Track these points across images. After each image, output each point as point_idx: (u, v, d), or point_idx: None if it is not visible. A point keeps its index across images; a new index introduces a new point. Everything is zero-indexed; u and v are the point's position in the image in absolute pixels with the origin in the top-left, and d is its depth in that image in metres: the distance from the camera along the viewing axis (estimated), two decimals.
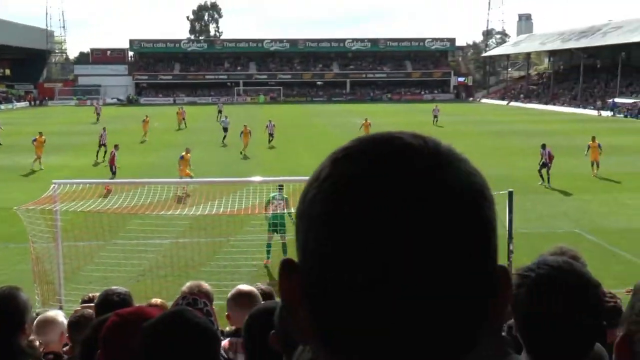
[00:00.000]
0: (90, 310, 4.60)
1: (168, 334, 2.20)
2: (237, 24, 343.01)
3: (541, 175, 26.16)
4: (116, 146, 28.30)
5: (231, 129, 42.67)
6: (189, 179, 22.52)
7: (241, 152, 36.26)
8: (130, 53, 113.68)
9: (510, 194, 11.81)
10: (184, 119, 55.47)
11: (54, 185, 12.89)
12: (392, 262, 0.71)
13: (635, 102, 71.04)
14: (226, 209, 13.53)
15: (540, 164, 26.48)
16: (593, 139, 29.09)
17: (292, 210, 14.38)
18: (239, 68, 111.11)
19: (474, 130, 47.62)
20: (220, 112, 62.45)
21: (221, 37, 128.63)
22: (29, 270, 13.02)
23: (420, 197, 0.72)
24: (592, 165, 28.54)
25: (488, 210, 0.76)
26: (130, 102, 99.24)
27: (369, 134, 0.81)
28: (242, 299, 4.61)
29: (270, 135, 40.99)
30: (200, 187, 17.47)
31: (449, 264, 0.72)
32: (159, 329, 2.22)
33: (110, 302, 4.03)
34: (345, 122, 54.09)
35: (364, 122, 43.44)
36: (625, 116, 68.26)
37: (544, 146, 26.75)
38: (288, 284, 0.79)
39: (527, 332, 1.93)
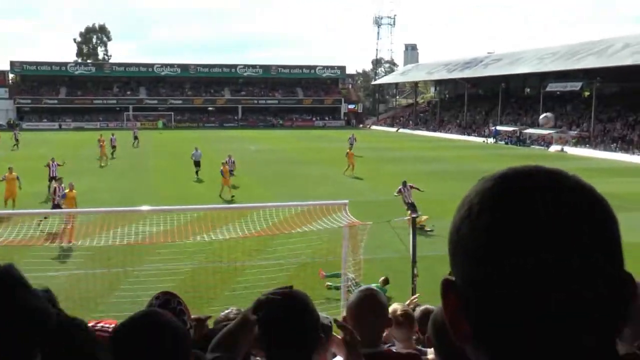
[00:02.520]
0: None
1: (137, 336, 2.20)
2: (126, 48, 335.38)
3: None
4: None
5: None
6: (65, 209, 20.58)
7: (226, 197, 30.79)
8: (11, 75, 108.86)
9: (414, 219, 12.15)
10: (114, 146, 51.20)
11: None
12: (548, 279, 0.83)
13: (514, 130, 74.75)
14: (129, 239, 13.14)
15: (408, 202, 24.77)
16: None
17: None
18: (128, 93, 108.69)
19: (375, 157, 48.31)
20: (136, 138, 61.78)
21: (110, 61, 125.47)
22: None
23: (570, 219, 0.84)
24: None
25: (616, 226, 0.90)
26: (10, 126, 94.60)
27: (502, 170, 0.92)
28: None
29: (230, 172, 34.03)
30: (98, 217, 16.84)
31: (597, 269, 0.84)
32: (129, 331, 2.23)
33: None
34: (239, 148, 53.94)
35: (348, 150, 41.89)
36: (506, 143, 71.79)
37: (404, 183, 25.36)
38: (448, 300, 0.94)
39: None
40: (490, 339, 0.88)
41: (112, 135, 54.11)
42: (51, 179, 30.27)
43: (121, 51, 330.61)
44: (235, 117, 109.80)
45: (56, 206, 22.49)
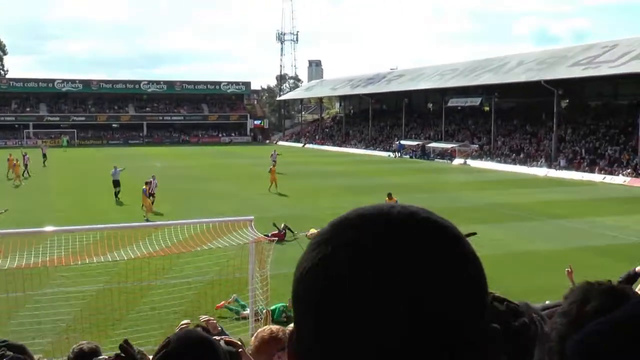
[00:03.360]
0: None
1: None
2: (24, 63, 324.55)
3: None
4: None
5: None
6: None
7: (144, 216, 29.45)
8: None
9: None
10: (25, 164, 49.30)
11: None
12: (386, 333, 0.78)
13: (418, 144, 76.67)
14: (28, 262, 12.72)
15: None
16: (389, 195, 26.21)
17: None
18: (28, 109, 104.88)
19: (283, 172, 48.40)
20: (44, 155, 60.24)
21: (7, 76, 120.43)
22: None
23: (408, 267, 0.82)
24: None
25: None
26: None
27: (335, 219, 0.93)
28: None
29: (152, 195, 32.45)
30: None
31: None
32: None
33: None
34: (145, 166, 53.02)
35: (271, 167, 41.33)
36: (411, 157, 73.63)
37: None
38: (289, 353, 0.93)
39: None
40: None
41: (25, 154, 52.15)
42: None
43: (18, 66, 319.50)
44: (141, 134, 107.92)
45: None
